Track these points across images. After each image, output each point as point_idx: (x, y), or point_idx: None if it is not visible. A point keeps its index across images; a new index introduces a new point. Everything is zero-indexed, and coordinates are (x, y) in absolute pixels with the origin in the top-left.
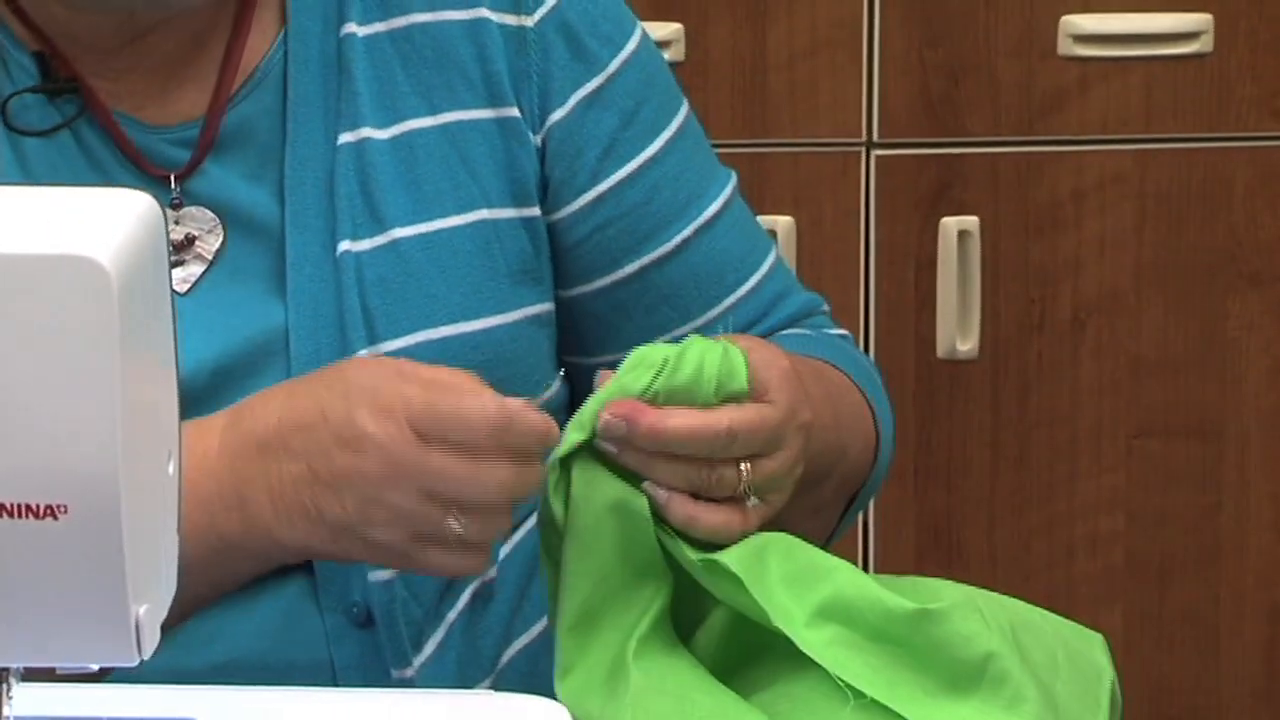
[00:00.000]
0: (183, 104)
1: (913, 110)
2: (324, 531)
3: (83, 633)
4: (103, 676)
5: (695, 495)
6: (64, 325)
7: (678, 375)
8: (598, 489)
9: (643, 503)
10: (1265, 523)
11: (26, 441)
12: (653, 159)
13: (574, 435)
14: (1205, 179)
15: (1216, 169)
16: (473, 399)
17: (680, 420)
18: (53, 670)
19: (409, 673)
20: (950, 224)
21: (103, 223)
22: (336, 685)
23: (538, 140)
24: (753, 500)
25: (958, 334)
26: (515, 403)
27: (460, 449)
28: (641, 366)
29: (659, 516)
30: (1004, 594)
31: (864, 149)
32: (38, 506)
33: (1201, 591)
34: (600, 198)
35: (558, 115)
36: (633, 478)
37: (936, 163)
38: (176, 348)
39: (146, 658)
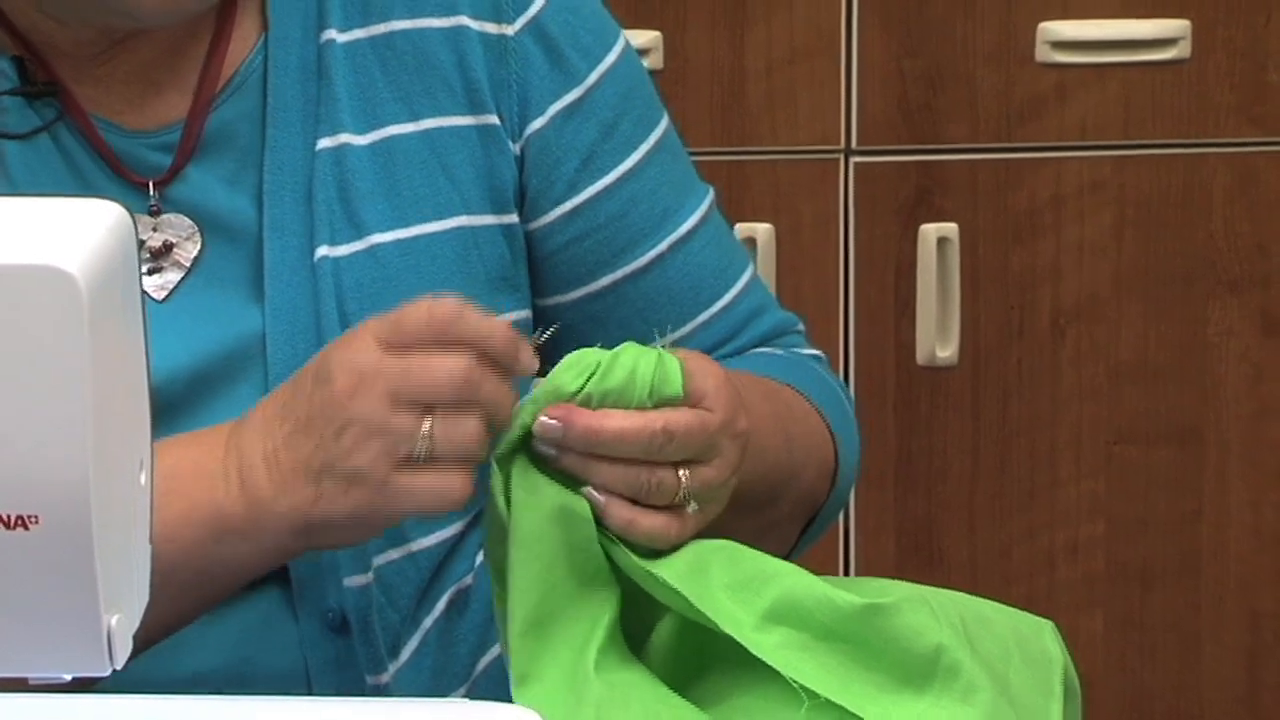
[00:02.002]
0: (162, 109)
1: (891, 118)
2: (310, 484)
3: (54, 643)
4: (90, 687)
5: (635, 501)
6: (34, 336)
7: (610, 378)
8: (539, 494)
9: (584, 507)
10: (1245, 529)
11: None
12: (630, 172)
13: (512, 435)
14: (1184, 185)
15: (1195, 175)
16: (429, 303)
17: (616, 421)
18: (25, 681)
19: (384, 679)
20: (930, 231)
21: (72, 233)
22: (311, 692)
23: (516, 149)
24: (691, 506)
25: (937, 341)
26: (452, 300)
27: (424, 350)
28: (575, 369)
29: (600, 522)
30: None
31: (843, 156)
32: (8, 517)
33: (1182, 598)
34: (577, 209)
35: (536, 125)
36: (573, 483)
37: (916, 170)
38: (149, 358)
39: (119, 668)
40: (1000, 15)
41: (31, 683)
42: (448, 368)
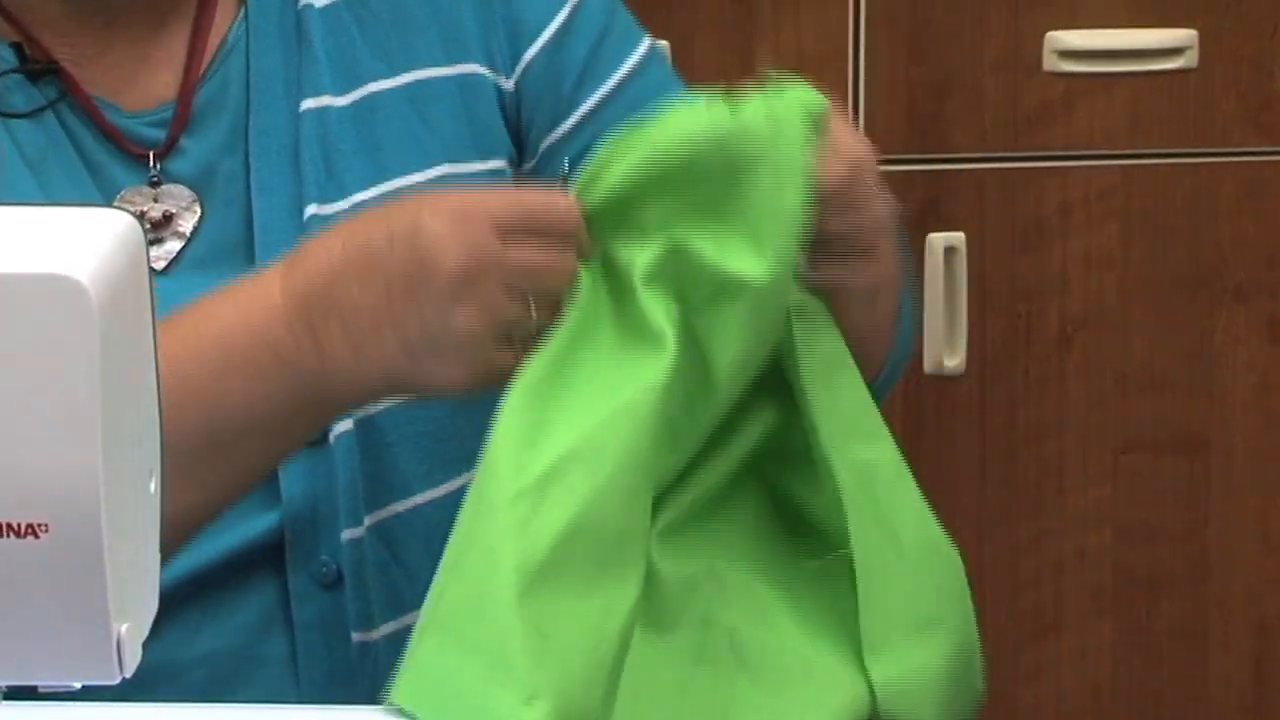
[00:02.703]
0: (156, 87)
1: (899, 126)
2: (404, 357)
3: (64, 651)
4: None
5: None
6: (44, 344)
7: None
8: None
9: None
10: (1252, 537)
11: (7, 460)
12: (631, 73)
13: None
14: (1191, 194)
15: (1202, 184)
16: (554, 195)
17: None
18: (35, 688)
19: (374, 636)
20: (937, 240)
21: (82, 241)
22: (294, 651)
23: (510, 84)
24: None
25: (945, 349)
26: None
27: (539, 243)
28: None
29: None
30: (995, 610)
31: None
32: (19, 525)
33: (1190, 606)
34: (585, 118)
35: (531, 52)
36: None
37: (923, 179)
38: (159, 365)
39: (128, 675)
40: (1008, 25)
41: (40, 690)
42: (564, 273)
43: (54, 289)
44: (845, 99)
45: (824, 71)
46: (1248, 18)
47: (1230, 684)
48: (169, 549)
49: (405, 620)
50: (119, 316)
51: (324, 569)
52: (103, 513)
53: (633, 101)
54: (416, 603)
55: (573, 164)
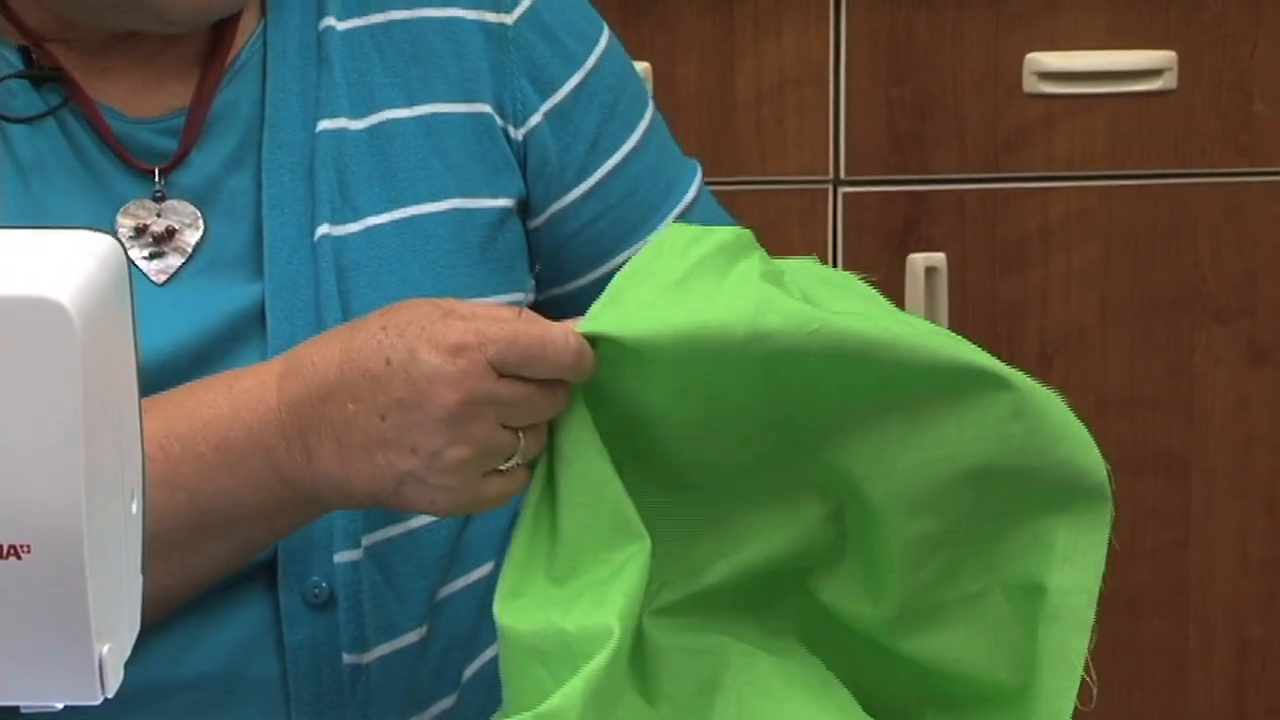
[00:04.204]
0: (164, 96)
1: (879, 148)
2: (391, 482)
3: (46, 671)
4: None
5: None
6: (25, 366)
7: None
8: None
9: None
10: (1233, 557)
11: None
12: (635, 149)
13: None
14: (1170, 215)
15: (1181, 205)
16: (555, 331)
17: None
18: (17, 709)
19: (366, 659)
20: (917, 260)
21: (64, 263)
22: (284, 671)
23: (519, 135)
24: None
25: None
26: (574, 333)
27: (533, 379)
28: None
29: None
30: None
31: (831, 186)
32: (1, 546)
33: (1170, 626)
34: (589, 192)
35: (542, 112)
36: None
37: (903, 200)
38: (140, 386)
39: (110, 696)
40: (987, 46)
41: (23, 710)
42: (554, 403)
43: (35, 311)
44: (826, 120)
45: (805, 93)
46: (1227, 39)
47: (1211, 703)
48: (146, 622)
49: (398, 643)
50: (101, 339)
51: (315, 590)
52: (84, 534)
53: (636, 176)
54: (409, 625)
55: (581, 300)
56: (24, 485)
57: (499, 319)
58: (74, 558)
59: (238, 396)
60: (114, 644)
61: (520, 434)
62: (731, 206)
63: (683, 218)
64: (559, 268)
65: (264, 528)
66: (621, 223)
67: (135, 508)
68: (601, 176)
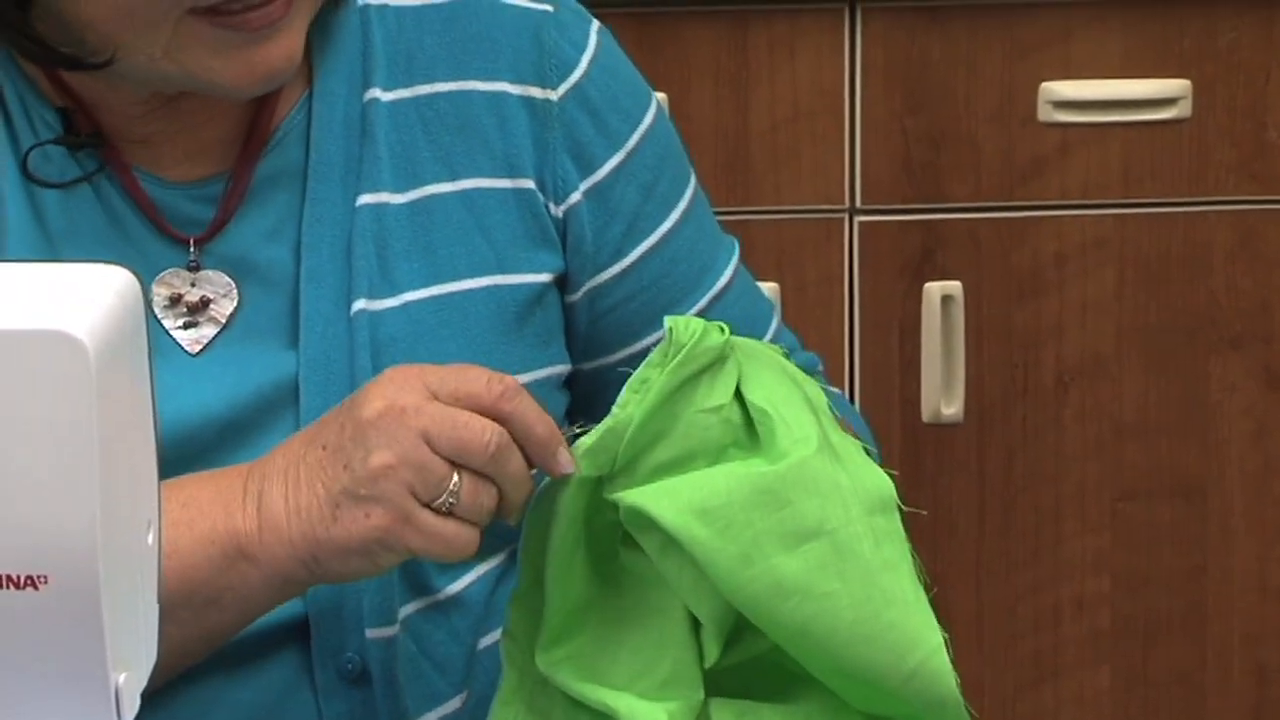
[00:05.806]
0: (204, 162)
1: (895, 177)
2: (327, 505)
3: (63, 702)
4: None
5: None
6: (42, 400)
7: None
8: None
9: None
10: (1250, 583)
11: (7, 513)
12: (671, 231)
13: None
14: (1185, 243)
15: (1196, 233)
16: (485, 377)
17: None
18: None
19: None
20: (933, 289)
21: (80, 298)
22: None
23: (559, 212)
24: None
25: (942, 398)
26: (500, 432)
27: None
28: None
29: None
30: (993, 657)
31: (847, 215)
32: (18, 577)
33: (1188, 653)
34: (624, 272)
35: (582, 189)
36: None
37: (919, 229)
38: (157, 419)
39: None
40: (1002, 75)
41: None
42: (486, 432)
43: (53, 345)
44: (841, 149)
45: (819, 122)
46: (1241, 68)
47: None
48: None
49: (442, 710)
50: (117, 372)
51: (349, 664)
52: (101, 564)
53: (672, 258)
54: (450, 693)
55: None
56: (41, 516)
57: (460, 372)
58: (90, 588)
59: (217, 478)
60: (130, 673)
61: (456, 472)
62: (747, 236)
63: (717, 301)
64: (589, 342)
65: (251, 611)
66: (654, 304)
67: (151, 538)
68: (637, 257)
